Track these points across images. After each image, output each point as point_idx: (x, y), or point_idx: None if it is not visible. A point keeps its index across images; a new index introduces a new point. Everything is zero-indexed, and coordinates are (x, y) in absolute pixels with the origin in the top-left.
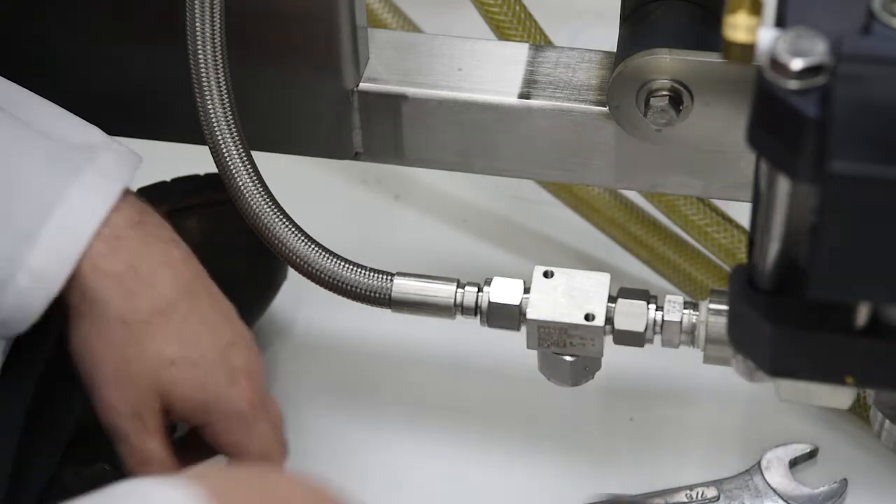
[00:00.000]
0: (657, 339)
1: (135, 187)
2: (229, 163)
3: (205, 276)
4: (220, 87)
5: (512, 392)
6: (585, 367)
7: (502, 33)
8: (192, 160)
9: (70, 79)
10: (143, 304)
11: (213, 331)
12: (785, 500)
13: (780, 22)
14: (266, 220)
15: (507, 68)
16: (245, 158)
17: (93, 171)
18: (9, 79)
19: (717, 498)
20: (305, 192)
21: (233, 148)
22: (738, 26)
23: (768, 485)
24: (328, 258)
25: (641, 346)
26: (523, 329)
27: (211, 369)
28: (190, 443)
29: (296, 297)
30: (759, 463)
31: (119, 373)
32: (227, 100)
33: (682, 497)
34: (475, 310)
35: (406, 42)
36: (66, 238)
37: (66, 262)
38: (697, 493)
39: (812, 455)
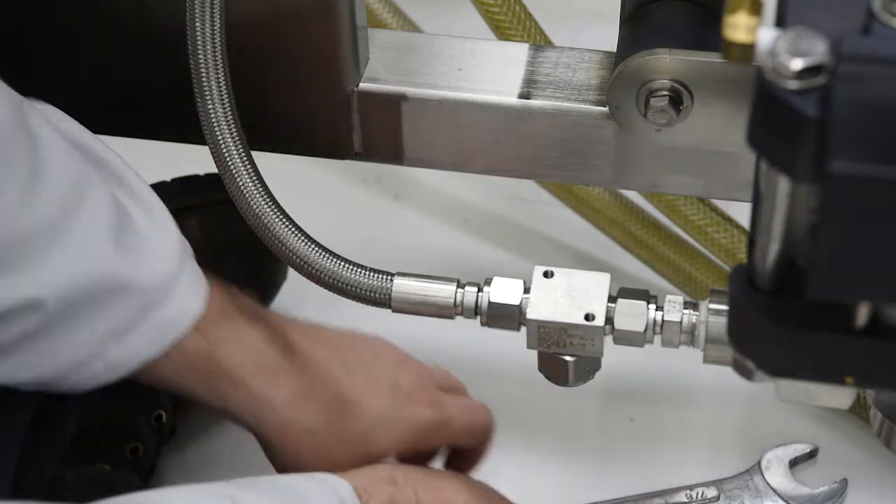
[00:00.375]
0: (657, 339)
1: None
2: (229, 163)
3: (324, 331)
4: (220, 87)
5: (512, 392)
6: (585, 367)
7: (502, 33)
8: (192, 160)
9: (71, 78)
10: (322, 405)
11: (375, 378)
12: (785, 500)
13: (780, 22)
14: (266, 221)
15: (507, 68)
16: (245, 158)
17: (186, 278)
18: (9, 78)
19: (717, 498)
20: (305, 192)
21: (233, 148)
22: (738, 26)
23: (768, 485)
24: (328, 258)
25: (641, 346)
26: (523, 329)
27: (395, 415)
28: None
29: (296, 297)
30: (759, 463)
31: (350, 465)
32: (227, 100)
33: (682, 497)
34: (475, 310)
35: (406, 42)
36: (154, 338)
37: (143, 357)
38: (697, 493)
39: (812, 455)
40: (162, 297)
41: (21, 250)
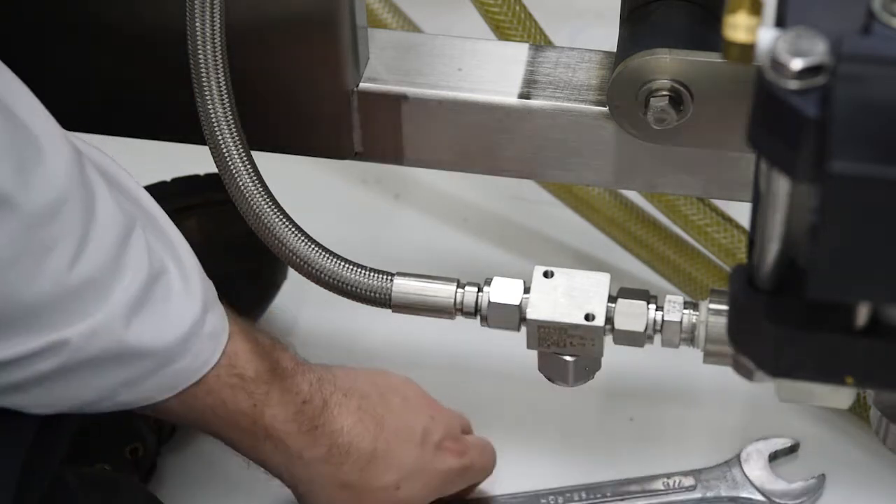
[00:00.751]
0: (657, 339)
1: None
2: (229, 163)
3: (356, 379)
4: (220, 87)
5: (512, 392)
6: (585, 367)
7: (502, 33)
8: (192, 160)
9: (70, 78)
10: (355, 459)
11: (404, 430)
12: (762, 493)
13: (780, 22)
14: (266, 221)
15: (507, 68)
16: (245, 158)
17: (206, 332)
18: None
19: (695, 487)
20: (305, 192)
21: (233, 148)
22: (738, 26)
23: (746, 477)
24: (328, 258)
25: (641, 346)
26: (523, 329)
27: (423, 466)
28: None
29: (296, 297)
30: (738, 455)
31: None
32: (227, 100)
33: (658, 485)
34: (475, 310)
35: (406, 42)
36: (165, 387)
37: (151, 401)
38: (674, 482)
39: (793, 450)
40: (179, 354)
41: (60, 308)
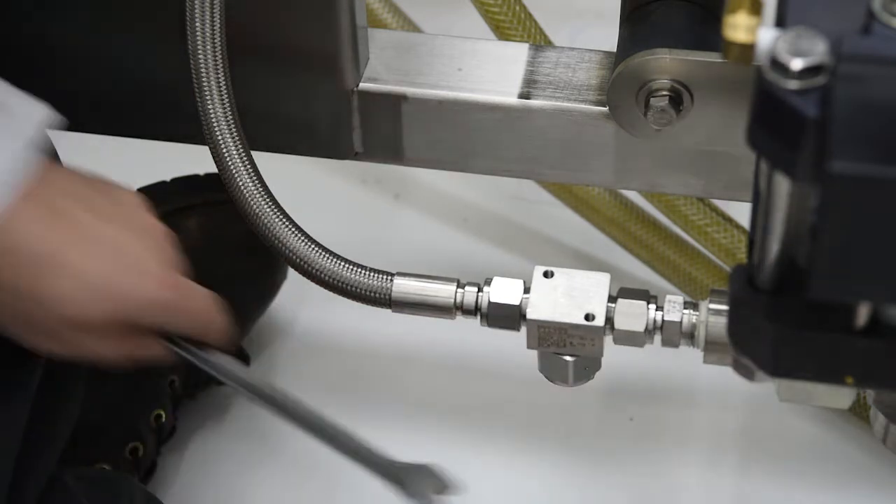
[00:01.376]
0: (657, 339)
1: (135, 187)
2: (229, 163)
3: (81, 182)
4: (220, 87)
5: (512, 392)
6: (585, 367)
7: (502, 33)
8: (192, 160)
9: (69, 78)
10: (20, 268)
11: (105, 246)
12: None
13: (780, 22)
14: (266, 221)
15: (507, 68)
16: (245, 158)
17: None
18: (8, 77)
19: None
20: (305, 192)
21: (233, 148)
22: (738, 26)
23: None
24: (328, 258)
25: (641, 346)
26: (523, 329)
27: (114, 285)
28: None
29: (296, 297)
30: None
31: (49, 327)
32: (227, 100)
33: None
34: (475, 310)
35: (406, 42)
36: None
37: None
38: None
39: None
40: None
41: None
